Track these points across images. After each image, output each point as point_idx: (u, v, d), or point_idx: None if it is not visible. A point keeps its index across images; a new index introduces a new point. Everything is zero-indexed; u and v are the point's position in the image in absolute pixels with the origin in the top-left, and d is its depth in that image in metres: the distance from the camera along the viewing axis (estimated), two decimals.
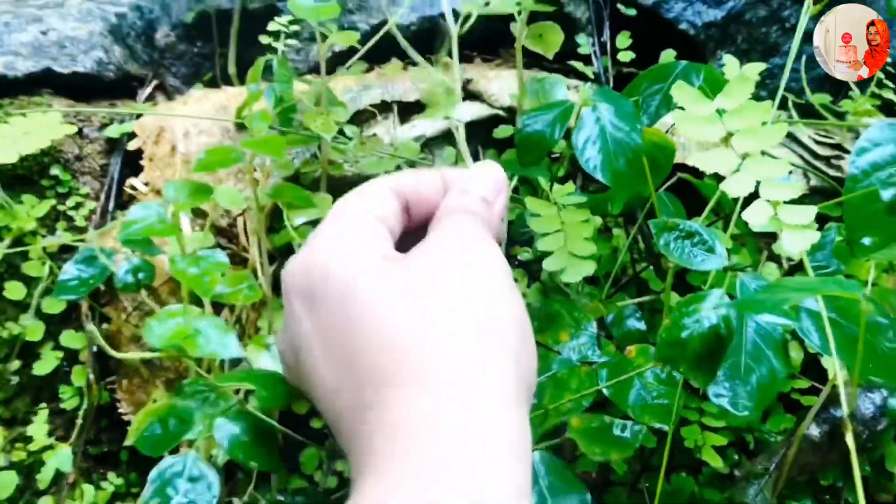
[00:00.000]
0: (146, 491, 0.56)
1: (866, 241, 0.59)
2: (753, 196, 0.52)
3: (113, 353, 0.71)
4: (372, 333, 0.27)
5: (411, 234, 0.34)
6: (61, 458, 0.73)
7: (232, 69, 0.88)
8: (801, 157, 0.80)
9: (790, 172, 0.80)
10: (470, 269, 0.29)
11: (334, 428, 0.28)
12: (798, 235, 0.45)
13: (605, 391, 0.56)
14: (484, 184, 0.35)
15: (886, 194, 0.51)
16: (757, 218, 0.43)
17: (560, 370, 0.57)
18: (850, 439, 0.43)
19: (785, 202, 0.50)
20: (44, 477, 0.78)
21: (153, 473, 0.57)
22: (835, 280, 0.46)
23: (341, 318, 0.27)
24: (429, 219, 0.34)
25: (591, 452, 0.51)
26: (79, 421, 0.76)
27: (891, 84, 0.88)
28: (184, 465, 0.58)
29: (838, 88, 0.87)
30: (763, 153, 0.55)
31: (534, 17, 0.74)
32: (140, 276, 0.73)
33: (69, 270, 0.74)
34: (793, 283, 0.47)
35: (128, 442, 0.70)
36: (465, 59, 0.86)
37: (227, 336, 0.62)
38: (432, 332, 0.26)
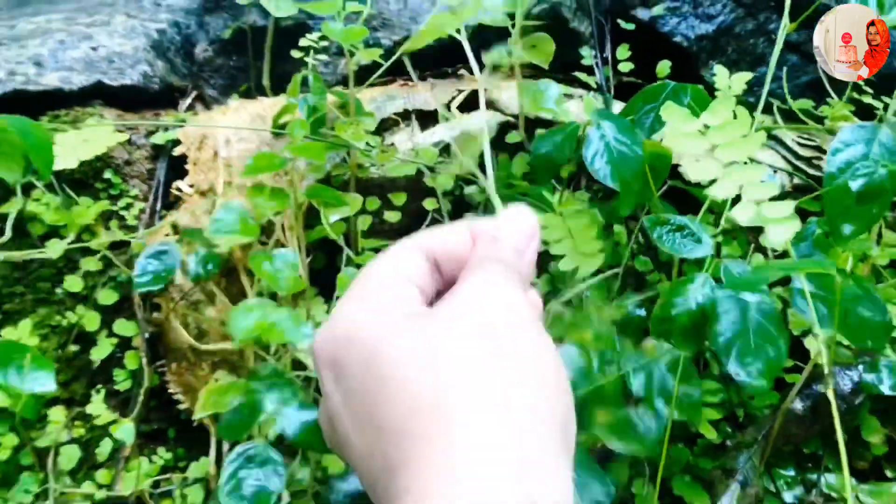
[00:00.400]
0: (224, 474, 0.64)
1: (846, 229, 0.66)
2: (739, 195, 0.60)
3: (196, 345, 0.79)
4: (396, 393, 0.26)
5: (445, 291, 0.32)
6: (125, 430, 0.81)
7: (266, 81, 0.96)
8: (785, 158, 0.87)
9: (775, 172, 0.88)
10: (493, 310, 0.28)
11: (372, 495, 0.27)
12: (781, 227, 0.53)
13: (637, 391, 0.63)
14: (514, 232, 0.34)
15: (855, 185, 0.59)
16: (744, 216, 0.51)
17: (597, 373, 0.64)
18: (830, 394, 0.50)
19: (767, 200, 0.58)
20: (102, 451, 0.87)
21: (230, 457, 0.65)
22: (811, 260, 0.54)
23: (367, 383, 0.27)
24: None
25: (616, 446, 0.59)
26: (140, 398, 0.84)
27: (869, 89, 0.96)
28: (255, 451, 0.66)
29: (820, 94, 0.95)
30: (746, 160, 0.63)
31: (545, 31, 0.82)
32: (209, 266, 0.81)
33: (144, 265, 0.82)
34: (775, 264, 0.55)
35: (197, 416, 0.79)
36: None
37: (302, 325, 0.70)
38: (452, 377, 0.25)
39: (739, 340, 0.54)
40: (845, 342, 0.76)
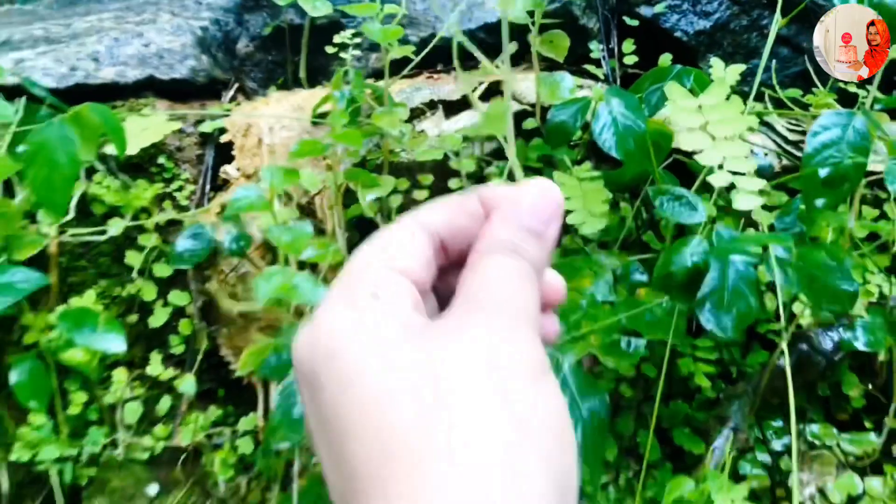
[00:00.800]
0: (275, 400, 0.74)
1: (819, 202, 0.76)
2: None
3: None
4: (371, 433, 0.22)
5: (454, 267, 0.29)
6: (187, 384, 0.91)
7: (302, 74, 1.05)
8: (775, 141, 0.97)
9: (766, 154, 0.97)
10: (499, 354, 0.24)
11: None
12: (748, 197, 0.62)
13: (623, 320, 0.73)
14: (535, 210, 0.28)
15: (823, 172, 0.68)
16: (719, 181, 0.60)
17: (589, 308, 0.74)
18: (784, 347, 0.59)
19: (744, 173, 0.67)
20: (161, 407, 0.97)
21: (279, 388, 0.75)
22: (772, 235, 0.63)
23: (341, 408, 0.23)
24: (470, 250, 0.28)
25: (607, 361, 0.68)
26: (199, 356, 0.94)
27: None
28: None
29: (809, 83, 1.04)
30: (738, 137, 0.72)
31: (556, 28, 0.91)
32: (241, 243, 0.91)
33: (182, 244, 0.92)
34: (749, 236, 0.65)
35: (239, 373, 0.89)
36: (497, 63, 1.03)
37: (318, 287, 0.80)
38: (441, 438, 0.22)
39: (715, 296, 0.64)
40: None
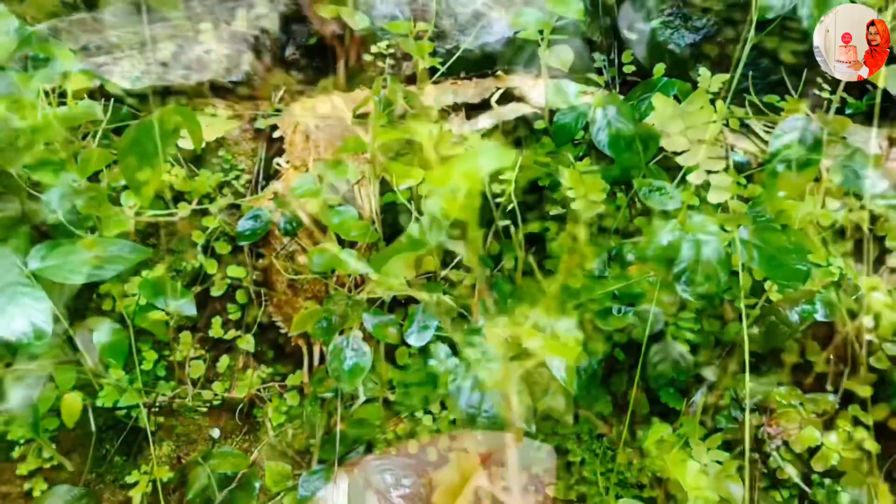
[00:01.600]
0: (329, 355, 0.90)
1: (781, 194, 0.91)
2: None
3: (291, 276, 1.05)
4: None
5: None
6: (248, 342, 1.07)
7: (342, 79, 1.21)
8: (754, 142, 1.11)
9: (745, 153, 1.11)
10: None
11: None
12: (719, 193, 0.77)
13: (615, 292, 0.88)
14: None
15: (780, 167, 0.82)
16: (696, 179, 0.75)
17: (587, 281, 0.89)
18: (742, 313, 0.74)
19: (715, 172, 0.82)
20: (221, 365, 1.13)
21: (332, 346, 0.91)
22: (731, 216, 0.77)
23: None
24: None
25: (602, 324, 0.83)
26: (259, 319, 1.09)
27: (827, 87, 1.19)
28: (348, 341, 0.91)
29: (786, 90, 1.18)
30: (704, 140, 0.87)
31: (564, 41, 1.06)
32: (293, 224, 1.06)
33: (244, 224, 1.08)
34: (712, 217, 0.79)
35: (291, 334, 1.04)
36: (511, 71, 1.18)
37: (362, 261, 0.96)
38: None
39: (690, 270, 0.78)
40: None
